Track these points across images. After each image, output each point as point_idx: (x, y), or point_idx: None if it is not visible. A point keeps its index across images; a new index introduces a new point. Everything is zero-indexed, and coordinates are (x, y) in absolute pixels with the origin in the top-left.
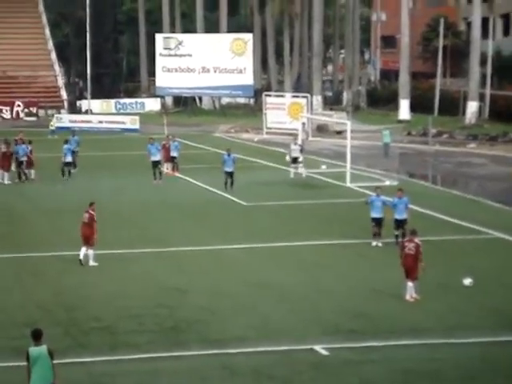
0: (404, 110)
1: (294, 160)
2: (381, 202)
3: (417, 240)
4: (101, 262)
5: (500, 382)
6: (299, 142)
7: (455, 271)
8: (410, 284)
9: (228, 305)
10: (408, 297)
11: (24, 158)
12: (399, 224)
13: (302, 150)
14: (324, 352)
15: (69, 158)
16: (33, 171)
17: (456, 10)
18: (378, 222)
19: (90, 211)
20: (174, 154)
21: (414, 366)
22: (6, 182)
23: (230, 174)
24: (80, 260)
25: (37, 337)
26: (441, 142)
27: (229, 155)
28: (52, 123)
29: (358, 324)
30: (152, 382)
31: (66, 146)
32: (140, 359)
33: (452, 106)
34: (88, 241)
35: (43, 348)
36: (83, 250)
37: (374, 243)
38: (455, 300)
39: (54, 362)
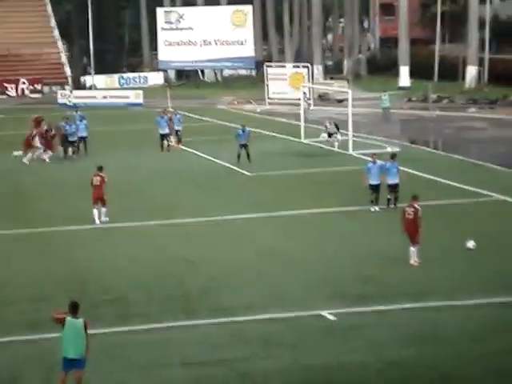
0: (404, 77)
1: (330, 135)
2: (378, 169)
3: (416, 205)
4: (110, 235)
5: (504, 343)
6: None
7: (458, 234)
8: (412, 249)
9: (236, 273)
10: (412, 261)
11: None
12: (393, 188)
13: (337, 126)
14: (331, 317)
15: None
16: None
17: None
18: (376, 188)
19: (101, 174)
20: (177, 127)
21: (419, 328)
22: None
23: (245, 146)
24: (94, 220)
25: (74, 309)
26: (441, 108)
27: (243, 131)
28: (70, 99)
29: (363, 289)
30: (163, 351)
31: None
32: (151, 329)
33: (451, 71)
34: (102, 201)
35: (79, 321)
36: (95, 211)
37: (373, 209)
38: (458, 263)
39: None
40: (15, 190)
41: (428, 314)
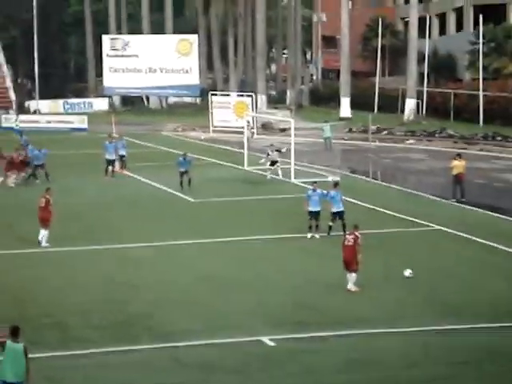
0: (345, 108)
1: (273, 163)
2: (318, 196)
3: (356, 233)
4: (52, 258)
5: (441, 370)
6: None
7: (397, 263)
8: (348, 275)
9: (177, 299)
10: (349, 287)
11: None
12: (339, 216)
13: (279, 151)
14: (271, 343)
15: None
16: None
17: (394, 10)
18: (315, 215)
19: (47, 196)
20: (121, 152)
21: (357, 355)
22: None
23: (186, 173)
24: (39, 241)
25: (14, 333)
26: (380, 139)
27: (184, 159)
28: (17, 123)
29: (303, 315)
30: (102, 375)
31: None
32: (90, 354)
33: (391, 103)
34: (44, 223)
35: (19, 345)
36: (42, 232)
37: (309, 235)
38: (397, 290)
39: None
40: None
41: (366, 340)
